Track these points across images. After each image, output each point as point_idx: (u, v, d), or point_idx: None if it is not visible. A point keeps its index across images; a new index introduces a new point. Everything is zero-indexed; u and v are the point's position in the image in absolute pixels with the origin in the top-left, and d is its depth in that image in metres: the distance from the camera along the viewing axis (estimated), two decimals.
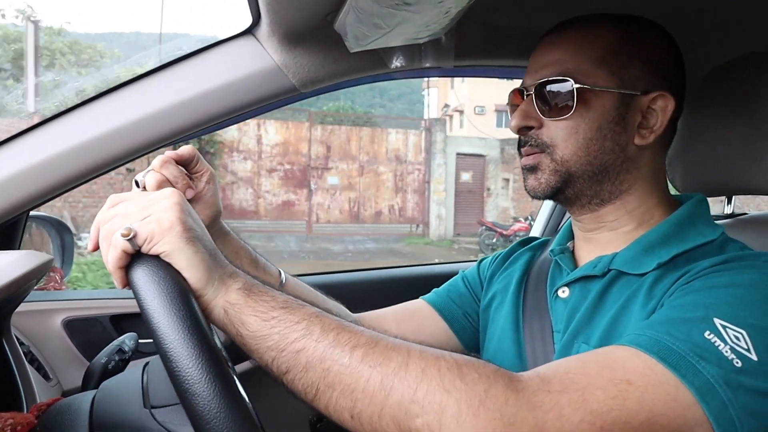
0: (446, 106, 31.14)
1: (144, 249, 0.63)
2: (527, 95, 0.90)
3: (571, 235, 1.02)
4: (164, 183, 0.84)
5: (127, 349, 1.01)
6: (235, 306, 0.64)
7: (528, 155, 0.90)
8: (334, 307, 1.07)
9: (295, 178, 13.90)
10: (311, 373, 0.62)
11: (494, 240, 13.20)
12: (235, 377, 0.59)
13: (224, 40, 1.09)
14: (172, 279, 0.61)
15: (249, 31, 1.07)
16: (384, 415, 0.60)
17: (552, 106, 0.86)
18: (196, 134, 1.12)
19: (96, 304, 1.42)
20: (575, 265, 0.95)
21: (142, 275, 0.61)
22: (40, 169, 1.01)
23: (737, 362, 0.62)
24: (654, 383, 0.62)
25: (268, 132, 13.59)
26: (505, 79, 1.48)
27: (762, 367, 0.63)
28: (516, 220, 14.07)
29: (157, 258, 0.63)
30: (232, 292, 0.65)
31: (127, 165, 1.01)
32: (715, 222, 0.88)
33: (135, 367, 0.82)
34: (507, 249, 1.15)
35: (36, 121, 1.06)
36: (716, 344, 0.63)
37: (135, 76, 1.06)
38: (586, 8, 0.90)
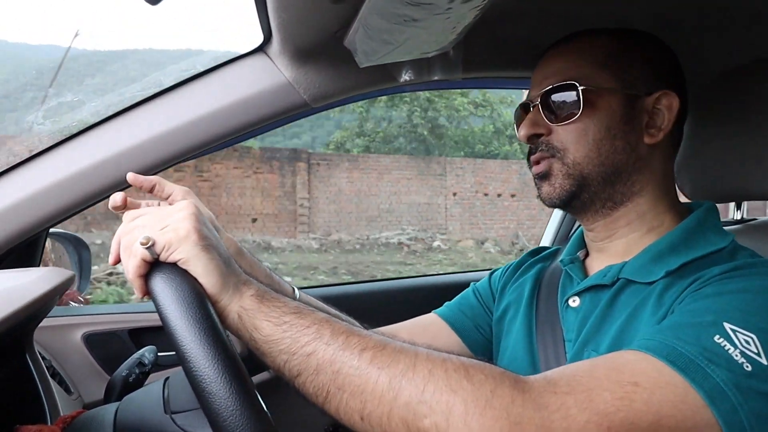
0: None
1: (162, 257, 0.66)
2: (533, 106, 0.91)
3: (581, 245, 1.03)
4: None
5: (146, 362, 1.03)
6: (249, 311, 0.67)
7: (538, 162, 0.91)
8: (345, 320, 1.09)
9: None
10: (322, 375, 0.64)
11: None
12: (249, 378, 0.61)
13: (236, 58, 1.11)
14: (189, 284, 0.64)
15: (260, 49, 1.10)
16: (393, 416, 0.62)
17: (559, 111, 0.88)
18: (210, 150, 1.14)
19: (115, 318, 1.45)
20: (585, 275, 0.96)
21: (160, 282, 0.64)
22: (59, 188, 1.04)
23: (747, 366, 0.63)
24: (662, 385, 0.62)
25: None
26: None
27: None
28: None
29: (174, 265, 0.66)
30: (246, 298, 0.68)
31: None
32: (725, 229, 0.89)
33: (156, 381, 0.84)
34: (518, 260, 1.16)
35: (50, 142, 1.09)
36: (726, 348, 0.64)
37: (150, 95, 1.09)
38: (590, 18, 0.92)
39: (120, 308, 1.56)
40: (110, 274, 7.71)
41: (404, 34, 0.83)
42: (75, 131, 1.08)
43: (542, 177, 0.91)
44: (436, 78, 1.06)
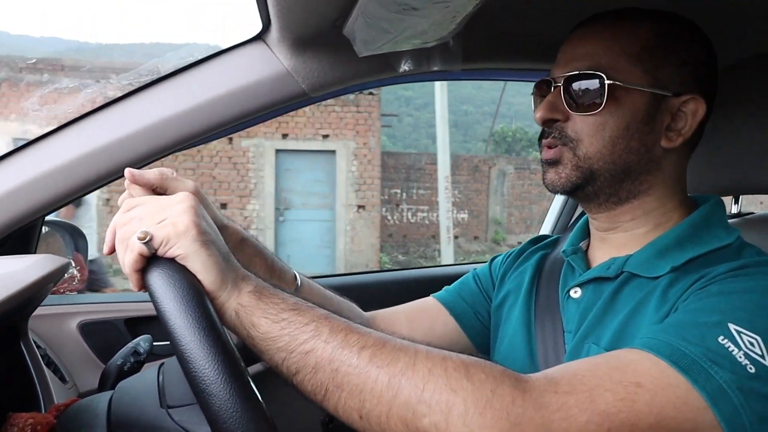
0: None
1: (160, 252, 0.64)
2: (555, 87, 0.87)
3: (584, 235, 1.01)
4: None
5: (142, 351, 1.02)
6: (247, 308, 0.65)
7: (549, 148, 0.89)
8: (347, 306, 1.08)
9: None
10: (320, 373, 0.63)
11: None
12: (249, 378, 0.60)
13: (235, 46, 1.10)
14: (187, 281, 0.62)
15: (259, 37, 1.09)
16: (392, 415, 0.61)
17: (581, 100, 0.84)
18: (208, 139, 1.13)
19: (111, 308, 1.44)
20: (588, 266, 0.95)
21: (158, 278, 0.62)
22: (55, 175, 1.03)
23: (751, 368, 0.62)
24: (665, 386, 0.62)
25: None
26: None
27: None
28: None
29: (172, 261, 0.64)
30: (244, 294, 0.66)
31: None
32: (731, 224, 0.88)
33: (151, 368, 0.83)
34: (518, 248, 1.15)
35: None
36: (730, 349, 0.63)
37: (147, 83, 1.08)
38: (597, 11, 0.90)
39: (116, 297, 1.56)
40: None
41: (403, 23, 0.83)
42: (71, 118, 1.07)
43: (550, 163, 0.89)
44: (435, 69, 1.05)
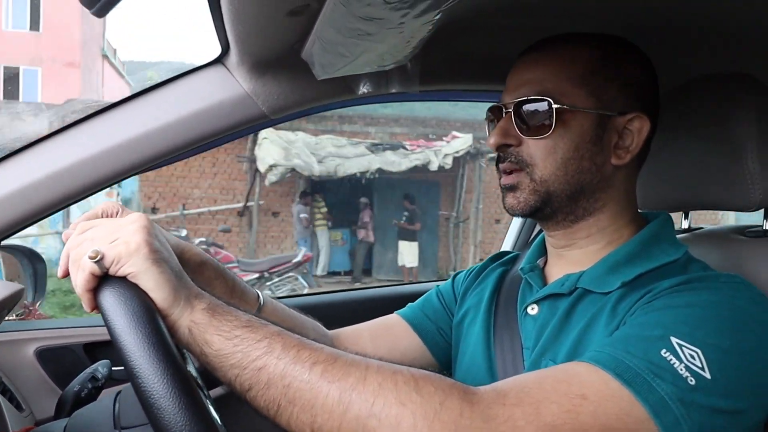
0: None
1: (111, 270, 0.65)
2: (506, 113, 0.90)
3: (541, 252, 1.04)
4: None
5: (100, 376, 1.00)
6: (200, 325, 0.66)
7: (507, 173, 0.91)
8: (312, 326, 1.08)
9: None
10: (272, 389, 0.63)
11: None
12: (201, 392, 0.60)
13: (195, 69, 1.11)
14: (138, 299, 0.63)
15: (219, 60, 1.10)
16: (343, 429, 0.62)
17: (531, 124, 0.87)
18: (167, 161, 1.13)
19: (68, 333, 1.41)
20: (545, 283, 0.97)
21: (109, 296, 0.63)
22: (10, 201, 1.02)
23: (691, 380, 0.65)
24: (608, 398, 0.64)
25: None
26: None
27: (715, 385, 0.65)
28: None
29: (124, 279, 0.65)
30: (197, 311, 0.67)
31: None
32: (678, 239, 0.91)
33: (107, 395, 0.82)
34: (480, 264, 1.17)
35: None
36: (672, 362, 0.66)
37: (105, 106, 1.07)
38: (547, 33, 0.94)
39: (74, 322, 1.52)
40: None
41: (359, 48, 0.84)
42: (28, 142, 1.05)
43: (509, 189, 0.91)
44: (394, 91, 1.07)
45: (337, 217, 12.08)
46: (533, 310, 0.93)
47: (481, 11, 0.98)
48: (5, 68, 19.79)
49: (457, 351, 1.08)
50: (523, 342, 0.93)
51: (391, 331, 1.13)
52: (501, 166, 0.92)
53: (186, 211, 11.87)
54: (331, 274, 11.85)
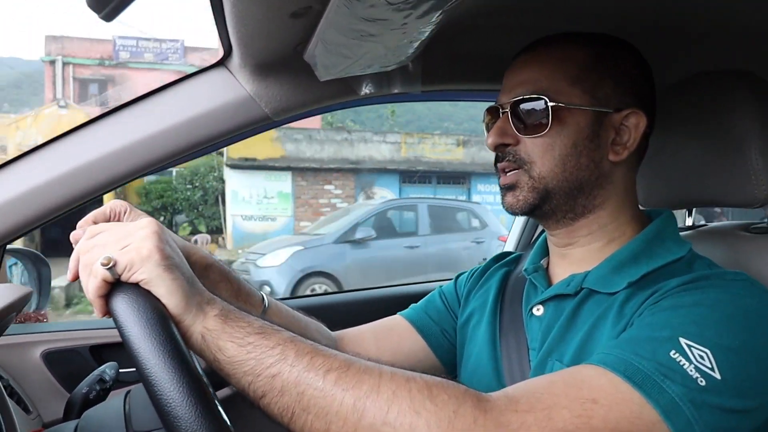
0: None
1: (123, 277, 0.65)
2: (503, 113, 0.91)
3: (544, 252, 1.04)
4: None
5: (107, 378, 1.01)
6: (213, 332, 0.66)
7: (506, 173, 0.92)
8: (315, 327, 1.08)
9: None
10: (286, 396, 0.63)
11: None
12: (216, 400, 0.60)
13: (197, 72, 1.11)
14: (151, 306, 0.62)
15: (221, 63, 1.10)
16: None
17: (527, 123, 0.88)
18: (171, 164, 1.14)
19: (75, 335, 1.42)
20: (549, 283, 0.97)
21: (122, 303, 0.62)
22: (12, 205, 1.02)
23: (701, 381, 0.65)
24: (619, 402, 0.64)
25: None
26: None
27: (725, 385, 0.65)
28: None
29: (136, 286, 0.64)
30: (210, 318, 0.66)
31: None
32: (682, 237, 0.91)
33: (117, 396, 0.82)
34: (482, 265, 1.16)
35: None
36: (681, 363, 0.66)
37: (109, 109, 1.08)
38: (548, 32, 0.94)
39: (80, 324, 1.53)
40: None
41: (362, 49, 0.85)
42: (31, 147, 1.06)
43: (508, 188, 0.92)
44: (396, 91, 1.07)
45: None
46: (539, 311, 0.93)
47: (482, 11, 0.99)
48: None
49: (462, 353, 1.08)
50: (528, 343, 0.93)
51: (395, 332, 1.13)
52: (499, 165, 0.93)
53: None
54: None
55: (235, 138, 1.16)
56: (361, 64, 0.92)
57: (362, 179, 14.80)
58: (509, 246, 1.96)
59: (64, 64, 18.32)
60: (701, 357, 0.66)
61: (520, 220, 1.94)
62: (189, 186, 14.87)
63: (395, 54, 0.90)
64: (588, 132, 0.88)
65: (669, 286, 0.78)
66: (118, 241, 0.67)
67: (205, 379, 0.61)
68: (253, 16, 0.85)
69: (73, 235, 0.78)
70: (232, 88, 1.09)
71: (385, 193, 14.60)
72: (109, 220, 0.84)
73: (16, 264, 1.50)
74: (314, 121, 14.63)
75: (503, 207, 0.94)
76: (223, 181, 14.49)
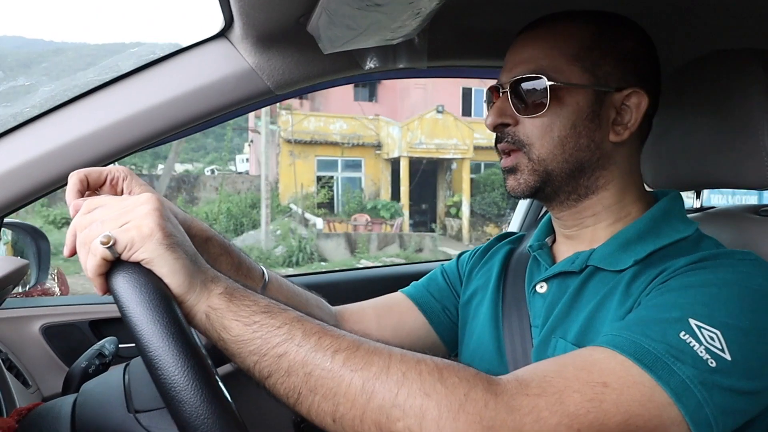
0: None
1: (124, 256, 0.62)
2: (503, 92, 0.90)
3: (549, 231, 1.03)
4: None
5: (107, 353, 1.00)
6: (218, 311, 0.64)
7: (506, 154, 0.91)
8: (316, 302, 1.06)
9: None
10: (293, 377, 0.62)
11: None
12: (220, 382, 0.59)
13: (197, 44, 1.09)
14: (154, 286, 0.60)
15: (222, 34, 1.07)
16: (366, 419, 0.61)
17: (527, 103, 0.87)
18: (170, 138, 1.12)
19: (74, 310, 1.41)
20: (553, 261, 0.96)
21: (123, 283, 0.60)
22: (13, 176, 1.01)
23: (712, 362, 0.64)
24: (630, 384, 0.63)
25: None
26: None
27: (735, 366, 0.65)
28: None
29: (137, 265, 0.62)
30: (214, 296, 0.64)
31: None
32: (689, 217, 0.90)
33: (116, 369, 0.81)
34: (485, 244, 1.16)
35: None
36: (691, 345, 0.65)
37: (107, 80, 1.05)
38: (556, 8, 0.92)
39: (80, 299, 1.52)
40: None
41: (367, 20, 0.82)
42: (28, 117, 1.04)
43: (509, 171, 0.91)
44: (401, 66, 1.05)
45: None
46: (542, 288, 0.93)
47: None
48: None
49: (464, 331, 1.08)
50: (531, 320, 0.93)
51: (396, 309, 1.12)
52: (499, 146, 0.92)
53: None
54: None
55: (236, 112, 1.14)
56: (365, 36, 0.90)
57: None
58: (513, 226, 1.95)
59: None
60: (711, 338, 0.65)
61: (523, 203, 1.93)
62: None
63: (401, 26, 0.87)
64: (588, 112, 0.86)
65: (677, 265, 0.77)
66: (117, 218, 0.64)
67: (209, 361, 0.59)
68: None
69: (73, 206, 0.74)
70: (233, 61, 1.07)
71: None
72: (104, 184, 0.80)
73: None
74: None
75: (506, 190, 0.93)
76: None
